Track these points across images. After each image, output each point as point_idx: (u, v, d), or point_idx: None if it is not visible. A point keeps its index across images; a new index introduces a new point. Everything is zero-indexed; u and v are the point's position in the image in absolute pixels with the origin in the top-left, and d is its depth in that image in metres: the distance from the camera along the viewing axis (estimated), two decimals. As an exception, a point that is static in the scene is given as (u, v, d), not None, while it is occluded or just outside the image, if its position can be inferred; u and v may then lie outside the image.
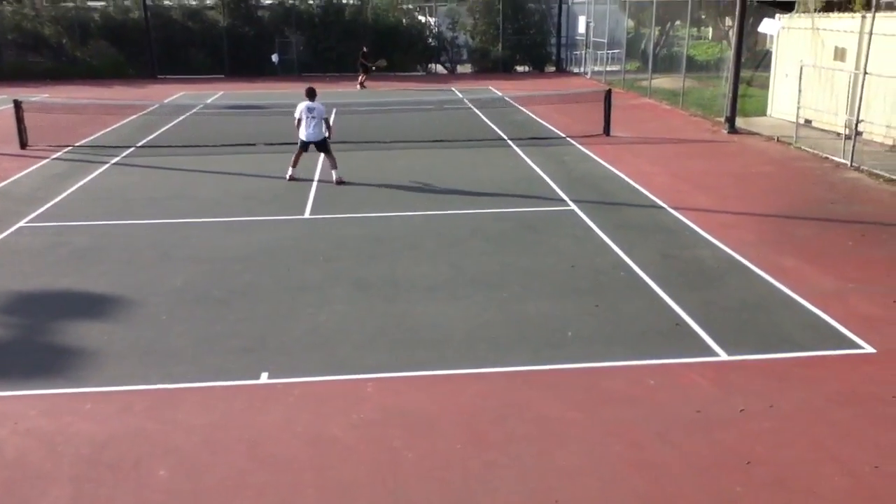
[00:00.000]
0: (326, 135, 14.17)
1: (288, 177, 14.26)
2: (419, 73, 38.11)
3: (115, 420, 6.23)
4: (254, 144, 17.29)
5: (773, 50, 21.49)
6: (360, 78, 31.01)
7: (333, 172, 14.09)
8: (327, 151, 14.21)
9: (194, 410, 6.37)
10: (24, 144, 17.59)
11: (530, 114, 22.72)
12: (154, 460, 5.69)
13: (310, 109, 13.91)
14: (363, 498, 5.25)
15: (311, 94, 14.10)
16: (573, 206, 12.41)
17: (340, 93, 29.00)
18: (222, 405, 6.45)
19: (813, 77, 18.13)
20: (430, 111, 23.45)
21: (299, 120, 14.02)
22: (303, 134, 14.01)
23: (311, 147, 14.14)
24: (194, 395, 6.63)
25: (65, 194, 13.44)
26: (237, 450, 5.82)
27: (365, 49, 31.46)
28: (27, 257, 10.13)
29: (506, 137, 18.74)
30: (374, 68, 31.08)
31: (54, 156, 16.82)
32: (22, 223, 11.68)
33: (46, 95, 27.19)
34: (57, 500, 5.24)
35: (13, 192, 13.61)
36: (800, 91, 17.44)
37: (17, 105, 17.72)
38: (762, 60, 25.74)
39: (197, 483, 5.42)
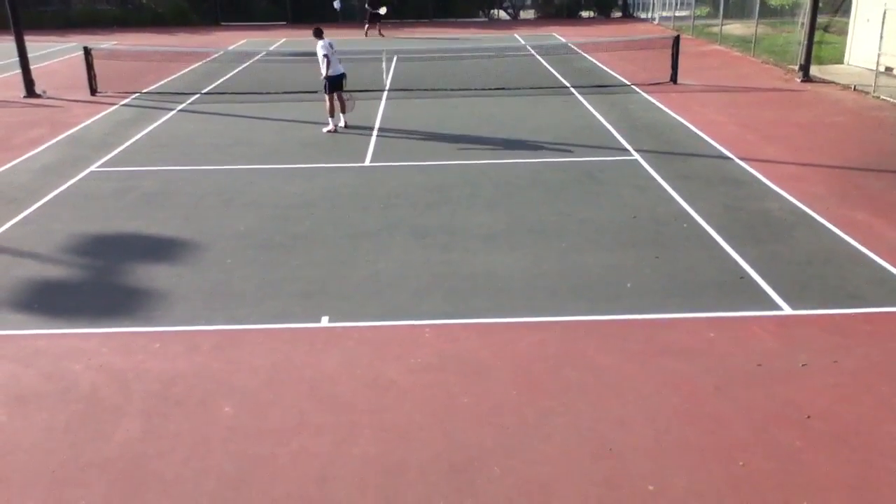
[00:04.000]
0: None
1: (338, 125, 14.12)
2: (481, 20, 37.55)
3: (183, 358, 6.46)
4: (315, 92, 17.33)
5: (854, -7, 20.46)
6: (365, 26, 29.86)
7: (343, 116, 14.18)
8: (343, 90, 14.13)
9: (258, 351, 6.56)
10: (93, 91, 18.05)
11: (595, 61, 22.22)
12: (219, 397, 5.90)
13: (332, 45, 13.70)
14: (419, 440, 5.36)
15: (320, 34, 13.88)
16: (636, 156, 12.17)
17: (399, 40, 28.82)
18: (284, 347, 6.63)
19: (896, 22, 17.21)
20: (492, 58, 23.12)
21: (327, 57, 13.58)
22: (333, 70, 13.74)
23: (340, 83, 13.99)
24: (258, 336, 6.82)
25: (133, 140, 13.78)
26: (298, 390, 5.99)
27: None
28: (98, 201, 10.46)
29: (569, 85, 18.39)
30: (380, 13, 29.45)
31: (122, 102, 17.21)
32: (92, 168, 12.04)
33: (114, 43, 27.74)
34: (128, 432, 5.49)
35: (84, 138, 14.00)
36: (881, 37, 16.58)
37: (87, 52, 18.13)
38: (841, 5, 24.54)
39: (259, 420, 5.61)
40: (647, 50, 20.35)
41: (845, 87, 17.45)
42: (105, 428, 5.55)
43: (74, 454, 5.27)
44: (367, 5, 29.93)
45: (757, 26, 23.22)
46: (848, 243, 8.61)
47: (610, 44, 23.58)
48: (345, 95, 14.13)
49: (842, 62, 20.46)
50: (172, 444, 5.36)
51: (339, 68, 13.96)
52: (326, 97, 14.04)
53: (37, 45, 25.32)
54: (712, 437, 5.35)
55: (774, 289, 7.50)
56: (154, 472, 5.08)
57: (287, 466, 5.12)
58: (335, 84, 13.91)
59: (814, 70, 18.76)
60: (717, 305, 7.23)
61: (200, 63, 22.82)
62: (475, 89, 18.05)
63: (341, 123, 14.24)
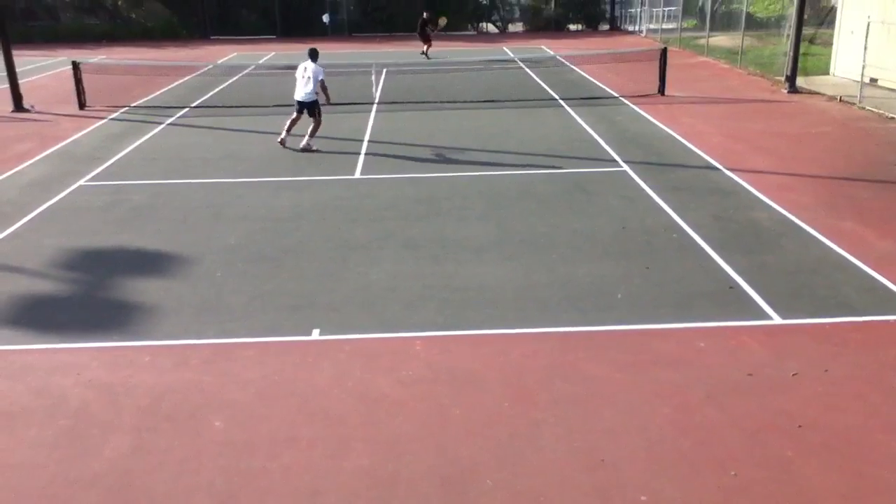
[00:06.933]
0: (316, 97, 13.35)
1: (279, 140, 13.68)
2: (470, 33, 37.71)
3: (173, 373, 6.42)
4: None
5: (839, 5, 20.67)
6: (424, 47, 27.75)
7: (305, 137, 13.50)
8: (312, 114, 13.47)
9: (248, 365, 6.53)
10: (82, 105, 18.00)
11: (583, 73, 22.35)
12: (210, 412, 5.86)
13: (304, 69, 13.26)
14: (410, 453, 5.34)
15: (312, 55, 13.33)
16: (625, 167, 12.22)
17: (390, 53, 28.90)
18: (275, 360, 6.60)
19: (881, 33, 17.39)
20: (481, 71, 23.22)
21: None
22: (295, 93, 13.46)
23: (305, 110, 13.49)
24: (248, 349, 6.79)
25: (122, 154, 13.74)
26: (289, 403, 5.96)
27: (426, 15, 27.82)
28: (87, 215, 10.42)
29: (557, 97, 18.48)
30: (434, 31, 27.70)
31: (111, 116, 17.17)
32: (82, 182, 11.99)
33: (103, 57, 27.69)
34: (117, 448, 5.45)
35: (73, 152, 13.96)
36: (865, 48, 16.75)
37: (76, 67, 18.10)
38: (826, 17, 24.79)
39: (250, 434, 5.58)
40: (634, 62, 20.49)
41: (831, 98, 17.60)
42: (94, 443, 5.50)
43: (63, 470, 5.22)
44: (424, 26, 27.77)
45: (743, 38, 23.42)
46: (836, 252, 8.66)
47: (598, 56, 23.72)
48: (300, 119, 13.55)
49: (827, 73, 20.65)
50: (162, 459, 5.32)
51: (298, 93, 13.39)
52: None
53: (25, 60, 25.25)
54: (704, 446, 5.35)
55: (764, 298, 7.53)
56: (144, 487, 5.04)
57: (278, 481, 5.09)
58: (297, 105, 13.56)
59: (800, 81, 18.92)
60: (707, 315, 7.25)
61: (190, 77, 22.81)
62: (464, 102, 18.10)
63: (302, 142, 13.58)
